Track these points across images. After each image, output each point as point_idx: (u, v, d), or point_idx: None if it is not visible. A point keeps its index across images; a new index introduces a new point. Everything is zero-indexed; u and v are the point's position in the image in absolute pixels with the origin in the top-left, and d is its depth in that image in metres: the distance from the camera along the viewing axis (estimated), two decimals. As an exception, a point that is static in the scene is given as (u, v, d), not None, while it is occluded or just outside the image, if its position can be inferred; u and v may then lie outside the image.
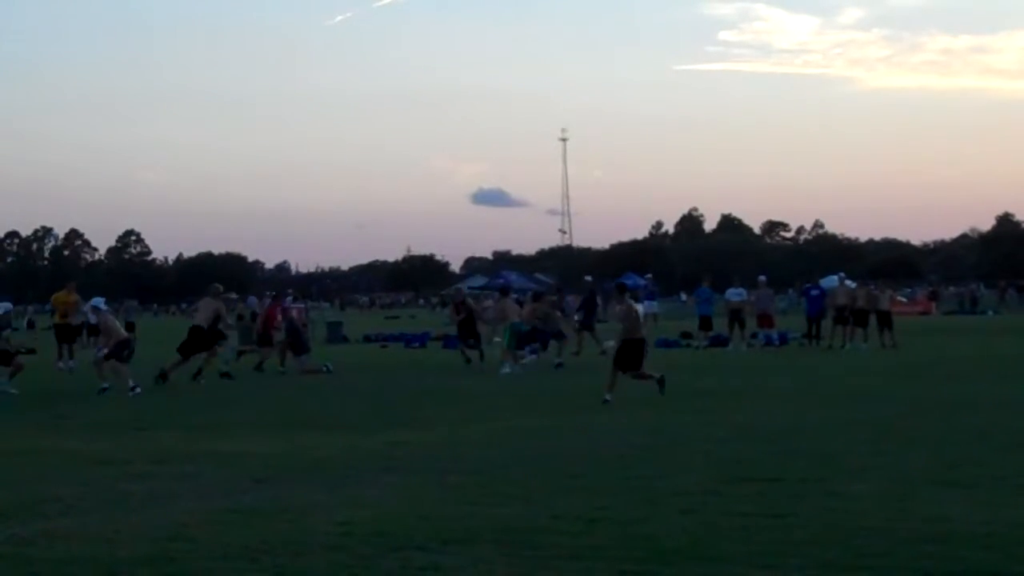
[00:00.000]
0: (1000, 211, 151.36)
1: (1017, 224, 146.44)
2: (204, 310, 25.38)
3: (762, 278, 38.74)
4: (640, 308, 19.48)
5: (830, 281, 47.25)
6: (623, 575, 7.16)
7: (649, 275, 65.75)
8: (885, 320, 34.57)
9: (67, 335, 31.13)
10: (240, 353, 29.04)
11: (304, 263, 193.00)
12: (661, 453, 12.55)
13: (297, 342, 27.97)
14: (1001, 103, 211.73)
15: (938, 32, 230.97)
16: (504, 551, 7.75)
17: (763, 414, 16.26)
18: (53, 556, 7.89)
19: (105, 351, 22.64)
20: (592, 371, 25.23)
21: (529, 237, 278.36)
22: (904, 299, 72.33)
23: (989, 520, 8.45)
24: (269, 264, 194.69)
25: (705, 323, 36.61)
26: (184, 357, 24.45)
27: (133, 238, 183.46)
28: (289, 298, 35.55)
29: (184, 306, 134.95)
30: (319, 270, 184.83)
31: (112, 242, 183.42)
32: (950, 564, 7.25)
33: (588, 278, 39.72)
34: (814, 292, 37.06)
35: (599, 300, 38.12)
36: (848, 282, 37.49)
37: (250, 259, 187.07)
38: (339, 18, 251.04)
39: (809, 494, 9.73)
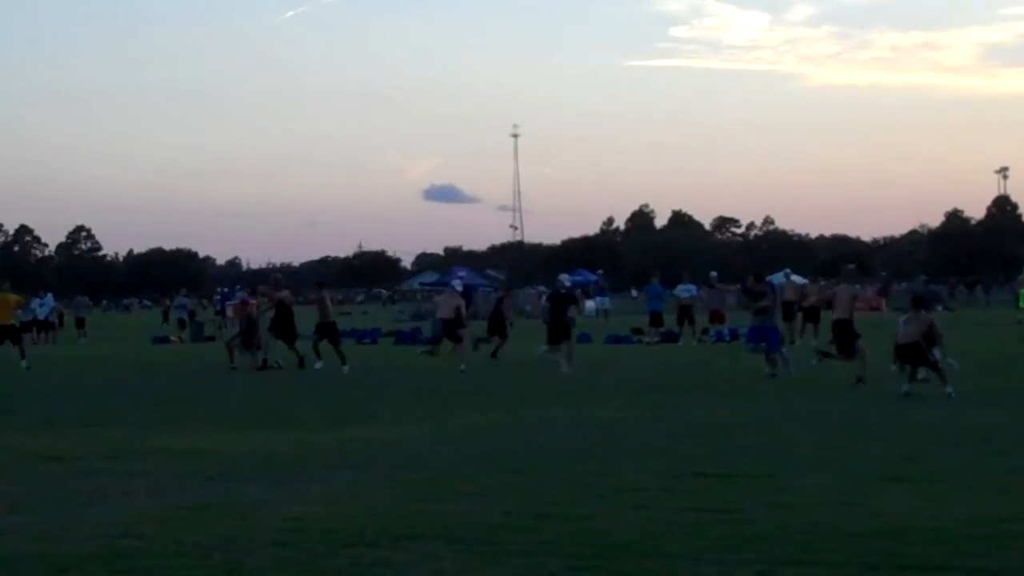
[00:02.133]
0: (949, 207, 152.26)
1: (966, 221, 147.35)
2: (445, 305, 26.77)
3: (713, 274, 38.91)
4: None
5: (777, 278, 47.54)
6: (573, 570, 7.19)
7: (600, 271, 65.89)
8: None
9: None
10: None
11: (255, 259, 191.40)
12: (611, 449, 12.60)
13: (250, 338, 27.80)
14: (950, 100, 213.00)
15: (887, 28, 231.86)
16: (454, 547, 7.76)
17: (713, 410, 16.34)
18: (1, 553, 7.83)
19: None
20: (535, 366, 25.26)
21: (481, 233, 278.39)
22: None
23: (937, 515, 8.54)
24: (220, 260, 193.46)
25: (656, 319, 36.52)
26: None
27: (83, 234, 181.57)
28: (241, 293, 35.37)
29: (142, 301, 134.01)
30: (271, 266, 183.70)
31: (62, 238, 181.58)
32: (898, 559, 7.31)
33: (461, 274, 39.63)
34: None
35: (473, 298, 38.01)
36: (795, 277, 37.67)
37: (201, 255, 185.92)
38: (290, 14, 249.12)
39: (758, 490, 9.79)
